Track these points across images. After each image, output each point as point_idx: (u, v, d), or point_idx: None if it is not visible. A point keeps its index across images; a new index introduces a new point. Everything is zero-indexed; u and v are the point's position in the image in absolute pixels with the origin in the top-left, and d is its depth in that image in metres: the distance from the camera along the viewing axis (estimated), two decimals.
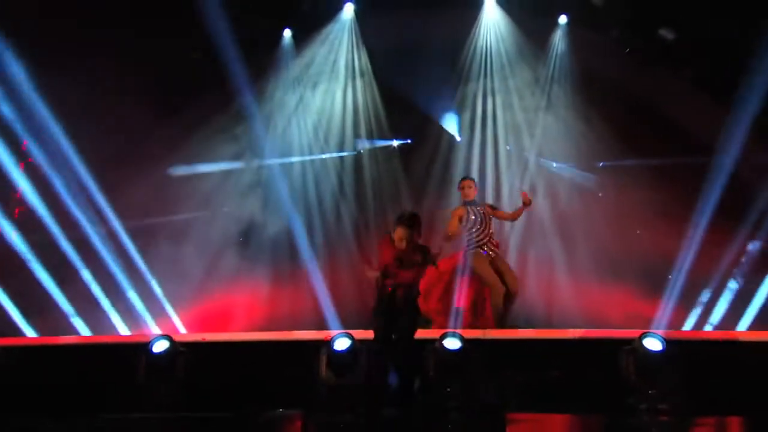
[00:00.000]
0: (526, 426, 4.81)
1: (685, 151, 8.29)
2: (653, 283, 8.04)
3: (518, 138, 9.15)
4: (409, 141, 9.43)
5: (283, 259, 8.68)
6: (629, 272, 8.03)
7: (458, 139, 9.29)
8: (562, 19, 8.93)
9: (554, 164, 9.02)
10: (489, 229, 6.49)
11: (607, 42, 8.64)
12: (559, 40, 8.99)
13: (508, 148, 9.19)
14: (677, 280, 7.38)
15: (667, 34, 8.17)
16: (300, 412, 5.46)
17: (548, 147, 8.91)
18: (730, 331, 6.31)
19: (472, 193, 6.61)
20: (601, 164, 8.90)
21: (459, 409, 5.13)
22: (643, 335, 5.04)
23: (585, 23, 8.72)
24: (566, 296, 8.10)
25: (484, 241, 6.44)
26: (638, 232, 8.61)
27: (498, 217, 6.72)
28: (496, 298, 6.28)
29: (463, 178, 6.81)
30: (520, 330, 6.44)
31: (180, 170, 8.83)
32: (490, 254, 6.42)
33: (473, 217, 6.47)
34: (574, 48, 8.89)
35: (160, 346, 5.26)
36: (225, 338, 6.65)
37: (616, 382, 5.01)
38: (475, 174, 8.95)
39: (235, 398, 5.39)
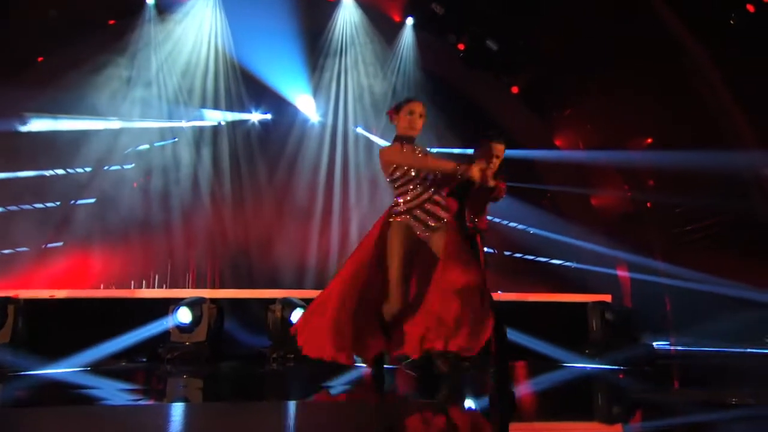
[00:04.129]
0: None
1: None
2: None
3: (367, 122, 9.43)
4: (269, 116, 9.30)
5: (138, 219, 8.27)
6: None
7: (312, 120, 9.35)
8: (409, 21, 9.28)
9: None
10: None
11: (445, 45, 9.15)
12: (405, 38, 9.33)
13: (356, 128, 9.44)
14: None
15: (492, 45, 8.78)
16: (145, 363, 5.38)
17: (389, 131, 9.26)
18: (520, 293, 7.03)
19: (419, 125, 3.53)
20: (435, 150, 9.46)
21: (295, 359, 5.36)
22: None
23: (428, 27, 9.14)
24: None
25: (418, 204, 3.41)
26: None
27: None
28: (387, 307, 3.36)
29: (409, 99, 3.63)
30: None
31: (33, 122, 8.02)
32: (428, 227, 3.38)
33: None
34: (417, 46, 9.28)
35: None
36: (75, 295, 6.27)
37: None
38: (326, 153, 9.12)
39: (84, 352, 5.16)
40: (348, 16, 9.24)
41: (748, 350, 6.29)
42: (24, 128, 8.02)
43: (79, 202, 8.31)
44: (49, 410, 3.06)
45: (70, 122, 8.26)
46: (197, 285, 8.29)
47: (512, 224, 9.20)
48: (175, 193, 8.55)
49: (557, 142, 9.25)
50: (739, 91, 6.46)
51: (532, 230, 9.03)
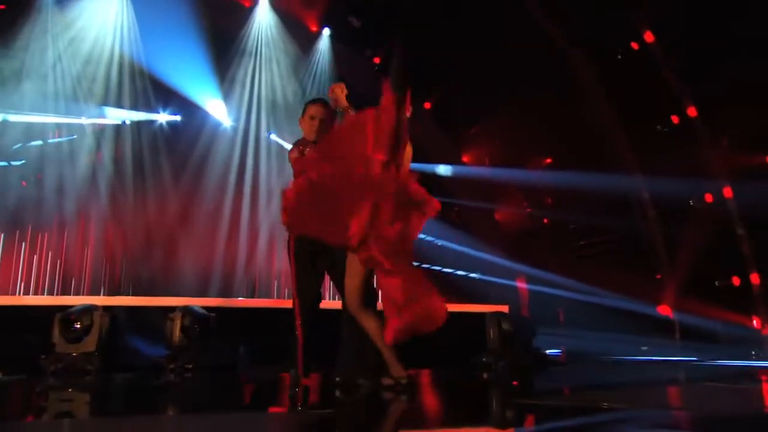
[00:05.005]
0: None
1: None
2: None
3: (280, 128, 9.42)
4: (178, 118, 9.05)
5: (25, 220, 7.77)
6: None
7: (225, 124, 9.22)
8: (326, 32, 9.40)
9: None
10: None
11: (362, 58, 9.36)
12: (321, 48, 9.43)
13: (269, 135, 9.41)
14: None
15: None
16: (24, 377, 5.07)
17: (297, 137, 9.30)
18: None
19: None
20: None
21: (195, 369, 5.24)
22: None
23: (344, 39, 9.30)
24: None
25: None
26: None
27: None
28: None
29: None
30: (253, 299, 6.74)
31: None
32: None
33: None
34: (334, 58, 9.42)
35: None
36: None
37: None
38: (236, 158, 9.01)
39: None
40: (264, 23, 9.22)
41: (628, 358, 6.91)
42: None
43: None
44: None
45: None
46: (92, 291, 7.91)
47: (420, 236, 9.44)
48: (70, 193, 8.09)
49: (465, 158, 9.69)
50: (622, 117, 7.12)
51: (439, 242, 9.36)
